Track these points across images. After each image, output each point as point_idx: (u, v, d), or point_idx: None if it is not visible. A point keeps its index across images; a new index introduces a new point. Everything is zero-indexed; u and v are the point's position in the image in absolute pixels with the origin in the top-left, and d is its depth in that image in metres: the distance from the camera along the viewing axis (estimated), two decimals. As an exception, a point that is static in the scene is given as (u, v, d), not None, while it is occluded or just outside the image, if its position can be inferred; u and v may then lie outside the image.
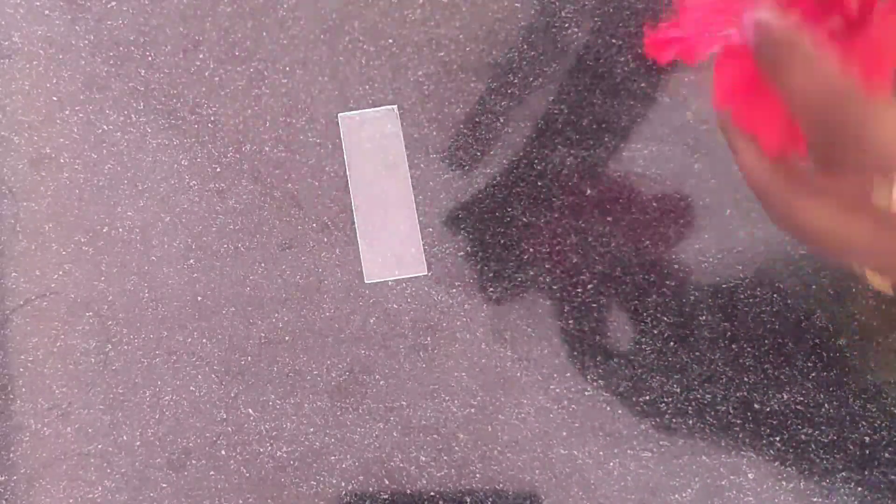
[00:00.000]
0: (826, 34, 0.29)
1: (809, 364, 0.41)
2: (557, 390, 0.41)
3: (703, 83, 0.43)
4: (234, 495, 0.41)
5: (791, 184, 0.30)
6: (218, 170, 0.43)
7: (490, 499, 0.41)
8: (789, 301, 0.41)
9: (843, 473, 0.40)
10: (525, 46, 0.43)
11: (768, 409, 0.41)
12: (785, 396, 0.41)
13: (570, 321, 0.42)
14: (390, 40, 0.44)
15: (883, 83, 0.29)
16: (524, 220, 0.42)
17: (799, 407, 0.41)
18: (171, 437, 0.41)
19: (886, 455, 0.40)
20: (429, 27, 0.44)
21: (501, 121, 0.43)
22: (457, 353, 0.42)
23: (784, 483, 0.40)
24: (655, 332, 0.41)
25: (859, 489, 0.40)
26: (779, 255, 0.41)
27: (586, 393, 0.41)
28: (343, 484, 0.41)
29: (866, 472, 0.40)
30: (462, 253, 0.42)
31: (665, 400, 0.41)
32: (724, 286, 0.41)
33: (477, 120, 0.43)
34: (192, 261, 0.43)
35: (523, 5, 0.44)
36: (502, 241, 0.42)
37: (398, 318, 0.42)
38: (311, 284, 0.42)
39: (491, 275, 0.42)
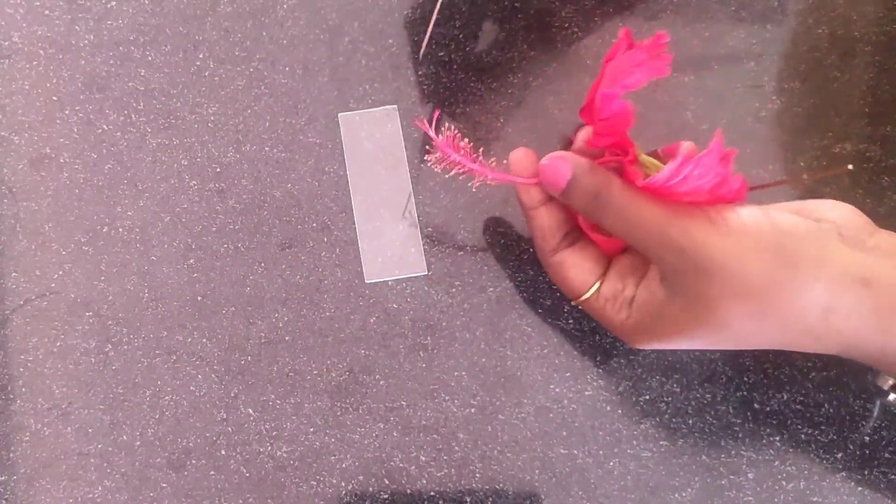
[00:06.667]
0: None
1: (809, 364, 0.41)
2: (557, 390, 0.41)
3: (703, 83, 0.43)
4: (234, 495, 0.41)
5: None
6: (218, 170, 0.43)
7: (490, 499, 0.41)
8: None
9: (843, 473, 0.40)
10: (525, 46, 0.43)
11: (768, 409, 0.41)
12: (785, 396, 0.41)
13: (570, 321, 0.42)
14: (390, 40, 0.44)
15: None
16: (524, 219, 0.42)
17: (799, 407, 0.41)
18: (171, 437, 0.41)
19: (886, 455, 0.40)
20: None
21: (501, 121, 0.43)
22: (457, 353, 0.42)
23: (784, 483, 0.40)
24: (655, 332, 0.41)
25: (859, 489, 0.40)
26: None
27: (586, 393, 0.41)
28: (343, 484, 0.41)
29: (866, 472, 0.40)
30: (462, 253, 0.42)
31: (665, 400, 0.41)
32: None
33: (477, 120, 0.43)
34: (192, 261, 0.43)
35: (523, 5, 0.44)
36: (502, 241, 0.42)
37: (398, 318, 0.42)
38: (311, 284, 0.42)
39: (491, 275, 0.42)
